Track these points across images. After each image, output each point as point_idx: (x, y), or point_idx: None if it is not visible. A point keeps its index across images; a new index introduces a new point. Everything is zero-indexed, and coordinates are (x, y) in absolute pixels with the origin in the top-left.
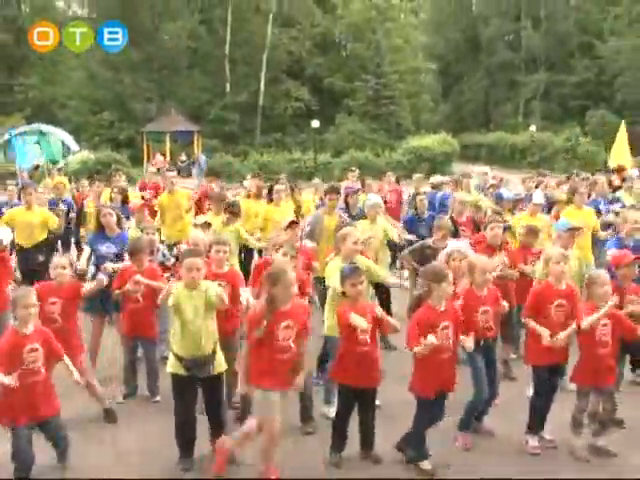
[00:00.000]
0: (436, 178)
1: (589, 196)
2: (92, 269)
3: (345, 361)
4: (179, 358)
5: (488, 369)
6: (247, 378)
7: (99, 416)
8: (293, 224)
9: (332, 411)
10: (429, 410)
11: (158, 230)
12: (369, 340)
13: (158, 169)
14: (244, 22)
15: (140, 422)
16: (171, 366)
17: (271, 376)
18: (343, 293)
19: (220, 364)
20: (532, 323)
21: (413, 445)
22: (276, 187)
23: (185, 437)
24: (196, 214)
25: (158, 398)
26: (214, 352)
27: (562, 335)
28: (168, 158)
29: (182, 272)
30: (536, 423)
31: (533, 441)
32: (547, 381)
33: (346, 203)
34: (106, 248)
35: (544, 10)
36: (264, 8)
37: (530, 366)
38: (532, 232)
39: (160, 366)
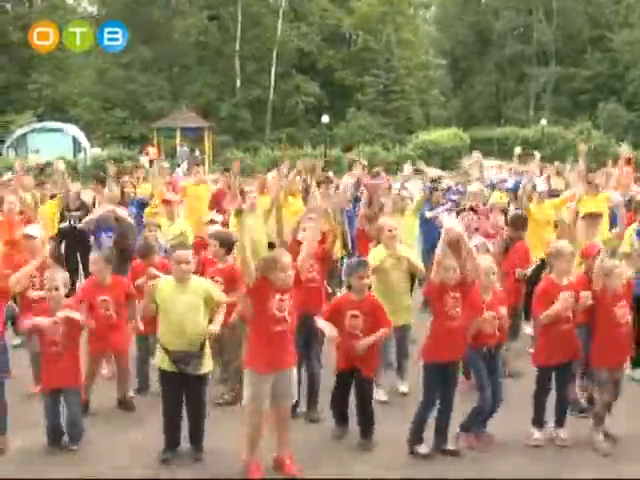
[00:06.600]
0: (435, 172)
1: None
2: None
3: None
4: (167, 351)
5: (492, 376)
6: None
7: (109, 410)
8: None
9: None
10: (433, 380)
11: (159, 227)
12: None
13: (151, 161)
14: (254, 18)
15: (151, 416)
16: (159, 361)
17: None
18: (349, 286)
19: (207, 364)
20: (545, 315)
21: (413, 427)
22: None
23: (170, 432)
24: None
25: None
26: (202, 349)
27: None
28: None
29: (172, 265)
30: (540, 417)
31: (538, 434)
32: (550, 379)
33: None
34: None
35: (556, 2)
36: (274, 3)
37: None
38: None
39: None
